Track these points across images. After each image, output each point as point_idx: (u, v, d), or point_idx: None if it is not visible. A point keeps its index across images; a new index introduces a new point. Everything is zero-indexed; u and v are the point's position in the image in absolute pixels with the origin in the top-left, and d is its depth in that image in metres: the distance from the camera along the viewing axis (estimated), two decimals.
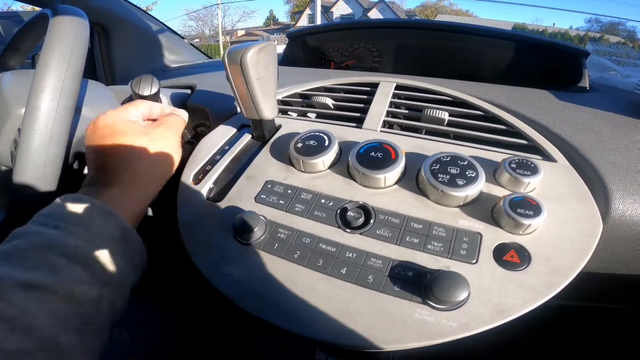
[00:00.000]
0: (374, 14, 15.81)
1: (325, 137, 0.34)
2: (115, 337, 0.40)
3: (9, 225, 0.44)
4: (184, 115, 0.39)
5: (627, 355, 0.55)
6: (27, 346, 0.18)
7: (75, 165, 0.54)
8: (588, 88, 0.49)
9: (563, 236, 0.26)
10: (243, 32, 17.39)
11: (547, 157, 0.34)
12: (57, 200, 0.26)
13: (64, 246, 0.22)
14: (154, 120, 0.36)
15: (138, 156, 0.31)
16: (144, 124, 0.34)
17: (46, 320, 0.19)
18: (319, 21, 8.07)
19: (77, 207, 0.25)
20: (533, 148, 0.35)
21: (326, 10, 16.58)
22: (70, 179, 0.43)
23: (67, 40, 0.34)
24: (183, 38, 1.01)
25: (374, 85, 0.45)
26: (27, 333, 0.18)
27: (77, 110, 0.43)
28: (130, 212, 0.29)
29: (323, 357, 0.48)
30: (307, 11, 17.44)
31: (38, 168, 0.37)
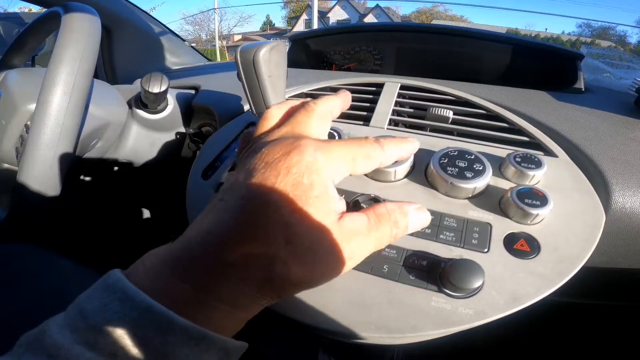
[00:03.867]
0: (370, 20, 16.03)
1: (335, 134, 0.35)
2: None
3: (10, 224, 0.44)
4: (420, 220, 0.22)
5: (629, 353, 0.56)
6: None
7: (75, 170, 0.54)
8: (583, 89, 0.51)
9: (569, 226, 0.27)
10: (240, 36, 17.46)
11: (548, 152, 0.35)
12: (107, 287, 0.16)
13: None
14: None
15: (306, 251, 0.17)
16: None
17: None
18: (315, 26, 8.16)
19: (150, 329, 0.14)
20: (534, 144, 0.36)
21: (323, 15, 16.76)
22: (68, 184, 0.43)
23: (80, 37, 0.35)
24: (184, 40, 1.02)
25: (380, 86, 0.46)
26: None
27: (85, 108, 0.43)
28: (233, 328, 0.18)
29: (325, 359, 0.47)
30: (304, 16, 17.62)
31: (46, 162, 0.37)
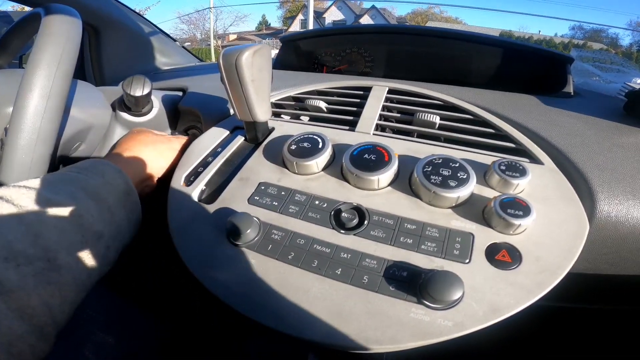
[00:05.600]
0: (366, 21, 16.06)
1: (319, 140, 0.34)
2: (101, 343, 0.39)
3: None
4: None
5: (615, 354, 0.56)
6: (30, 251, 0.22)
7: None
8: (572, 93, 0.51)
9: (551, 236, 0.26)
10: (235, 36, 17.36)
11: (534, 159, 0.34)
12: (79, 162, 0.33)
13: (84, 184, 0.29)
14: None
15: (140, 150, 0.40)
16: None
17: (55, 233, 0.24)
18: (311, 27, 8.15)
19: (95, 163, 0.33)
20: (521, 151, 0.36)
21: (319, 16, 16.75)
22: None
23: (59, 40, 0.34)
24: (175, 40, 1.01)
25: (367, 89, 0.46)
26: (34, 239, 0.23)
27: (66, 111, 0.42)
28: (135, 178, 0.36)
29: None
30: (300, 16, 17.58)
31: (24, 167, 0.36)
